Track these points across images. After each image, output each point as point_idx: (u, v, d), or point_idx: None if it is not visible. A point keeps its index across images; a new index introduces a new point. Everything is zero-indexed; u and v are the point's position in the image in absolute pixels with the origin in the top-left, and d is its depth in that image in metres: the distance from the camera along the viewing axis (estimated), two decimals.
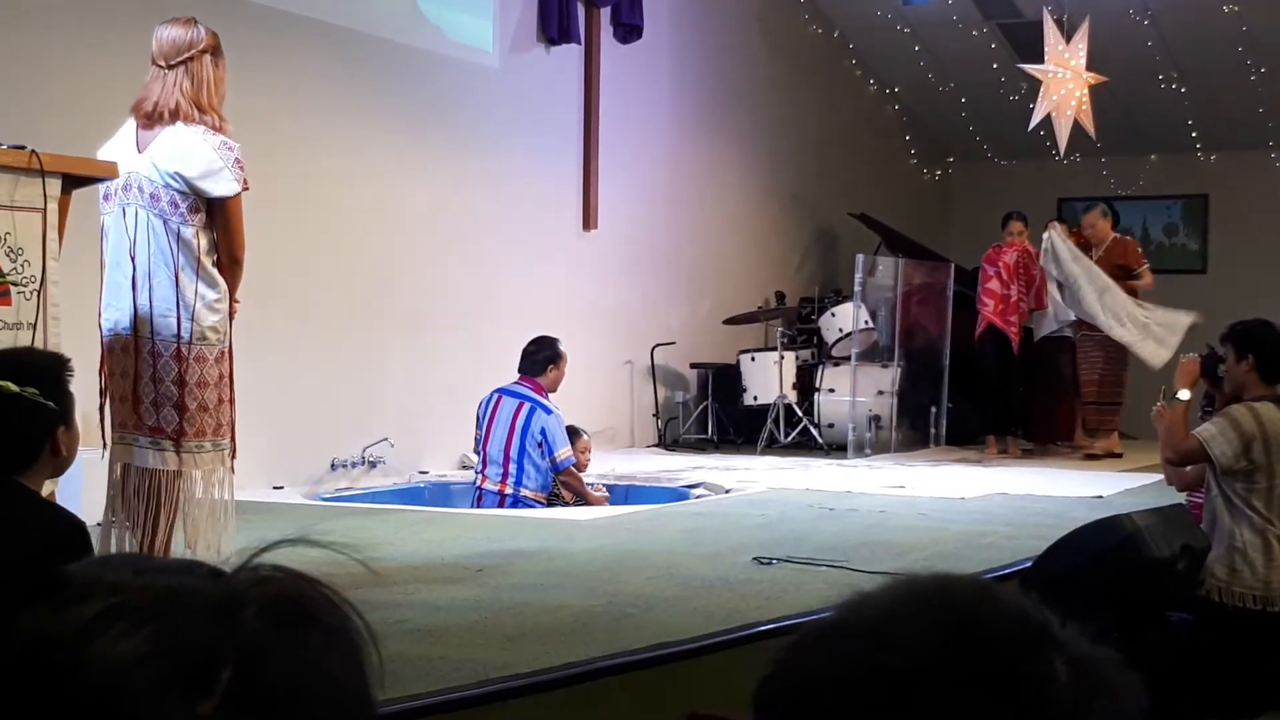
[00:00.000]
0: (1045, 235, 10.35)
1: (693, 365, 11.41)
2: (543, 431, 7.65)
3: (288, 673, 0.79)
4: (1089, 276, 10.23)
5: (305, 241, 8.18)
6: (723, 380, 11.10)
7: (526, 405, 7.71)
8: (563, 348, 7.91)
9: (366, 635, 0.85)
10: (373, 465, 8.46)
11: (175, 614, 0.78)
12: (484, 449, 7.82)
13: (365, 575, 4.60)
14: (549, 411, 7.69)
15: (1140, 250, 10.73)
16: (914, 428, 11.06)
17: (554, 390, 7.84)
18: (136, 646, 0.76)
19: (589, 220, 10.49)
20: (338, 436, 8.32)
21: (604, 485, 8.30)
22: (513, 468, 7.69)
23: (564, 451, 7.69)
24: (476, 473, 7.92)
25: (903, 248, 12.49)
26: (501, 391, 7.85)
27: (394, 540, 5.81)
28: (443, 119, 9.19)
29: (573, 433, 8.07)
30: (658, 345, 11.00)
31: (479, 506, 7.76)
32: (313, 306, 8.21)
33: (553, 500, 7.80)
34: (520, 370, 7.87)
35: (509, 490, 7.70)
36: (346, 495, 8.02)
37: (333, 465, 8.28)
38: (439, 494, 8.53)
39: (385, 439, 8.47)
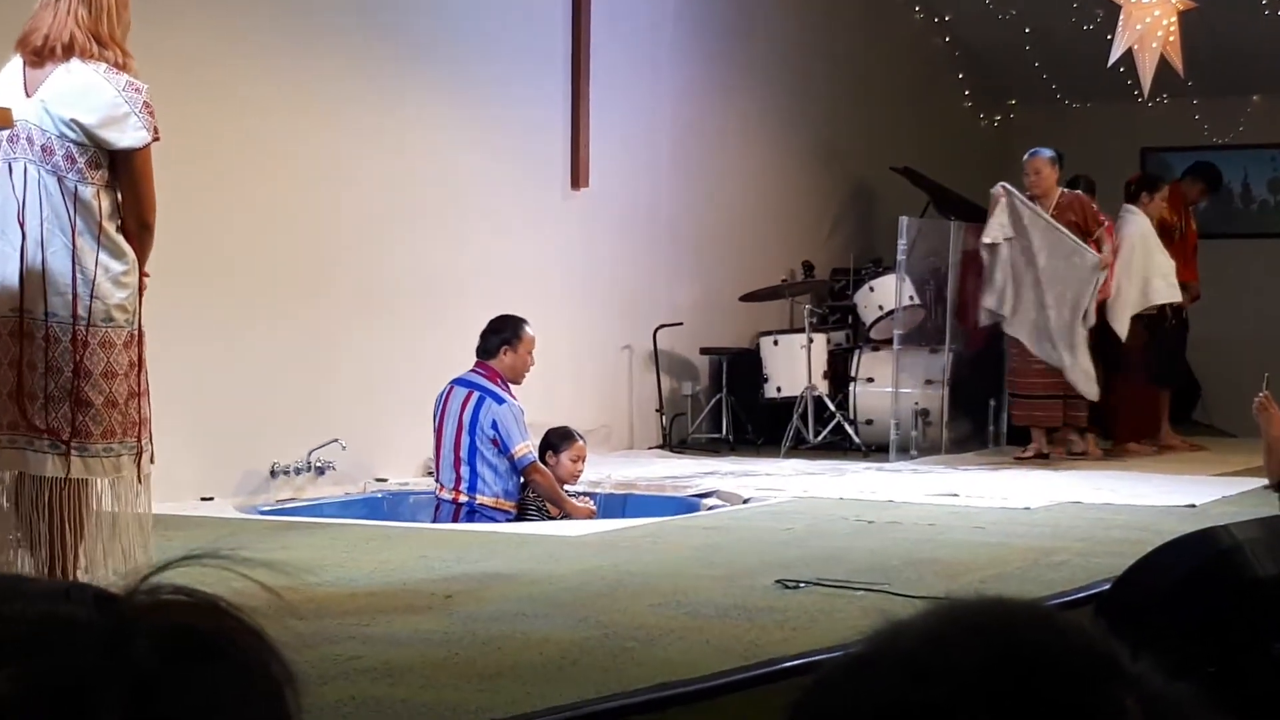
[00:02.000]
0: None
1: (703, 351, 11.42)
2: (494, 425, 7.65)
3: (184, 716, 0.78)
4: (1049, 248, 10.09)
5: (236, 204, 8.18)
6: (739, 369, 11.11)
7: (475, 395, 7.73)
8: (528, 329, 7.90)
9: (285, 673, 0.84)
10: (320, 472, 8.47)
11: (49, 648, 0.78)
12: (436, 451, 7.83)
13: (306, 602, 4.61)
14: (500, 400, 7.70)
15: (1098, 210, 10.28)
16: (969, 424, 11.06)
17: (515, 379, 7.84)
18: (1, 687, 0.76)
19: (578, 178, 10.49)
20: (278, 438, 8.33)
21: (591, 494, 8.31)
22: (464, 470, 7.71)
23: (522, 447, 7.69)
24: (435, 480, 7.94)
25: (955, 208, 12.48)
26: (454, 382, 7.87)
27: (345, 561, 5.83)
28: (400, 55, 9.18)
29: (565, 436, 8.07)
30: (661, 327, 11.01)
31: (437, 519, 7.77)
32: (247, 282, 8.21)
33: (525, 511, 7.80)
34: (476, 354, 7.89)
35: (463, 498, 7.71)
36: (289, 507, 8.05)
37: (273, 472, 8.29)
38: (399, 506, 8.54)
39: (335, 440, 8.48)
